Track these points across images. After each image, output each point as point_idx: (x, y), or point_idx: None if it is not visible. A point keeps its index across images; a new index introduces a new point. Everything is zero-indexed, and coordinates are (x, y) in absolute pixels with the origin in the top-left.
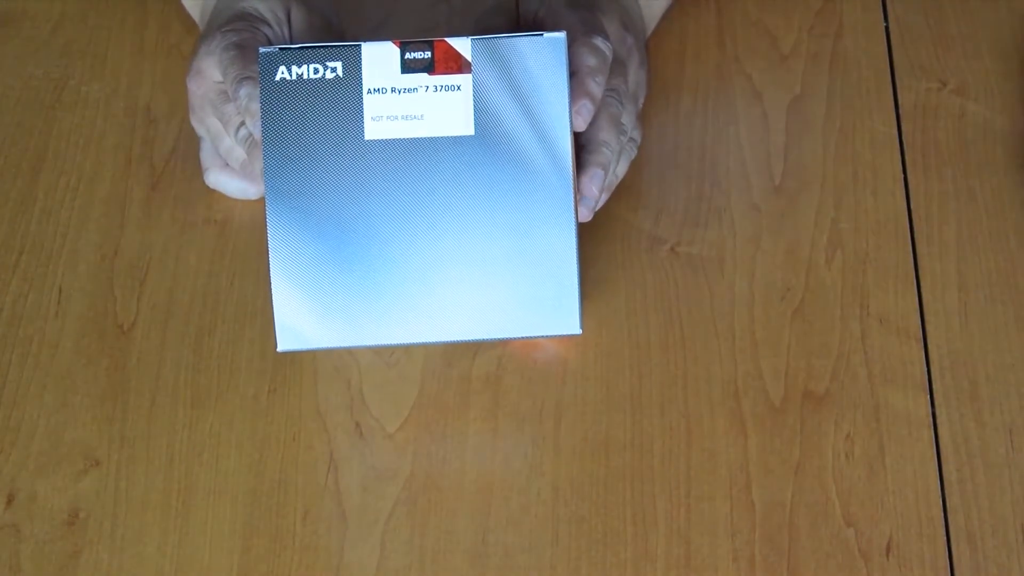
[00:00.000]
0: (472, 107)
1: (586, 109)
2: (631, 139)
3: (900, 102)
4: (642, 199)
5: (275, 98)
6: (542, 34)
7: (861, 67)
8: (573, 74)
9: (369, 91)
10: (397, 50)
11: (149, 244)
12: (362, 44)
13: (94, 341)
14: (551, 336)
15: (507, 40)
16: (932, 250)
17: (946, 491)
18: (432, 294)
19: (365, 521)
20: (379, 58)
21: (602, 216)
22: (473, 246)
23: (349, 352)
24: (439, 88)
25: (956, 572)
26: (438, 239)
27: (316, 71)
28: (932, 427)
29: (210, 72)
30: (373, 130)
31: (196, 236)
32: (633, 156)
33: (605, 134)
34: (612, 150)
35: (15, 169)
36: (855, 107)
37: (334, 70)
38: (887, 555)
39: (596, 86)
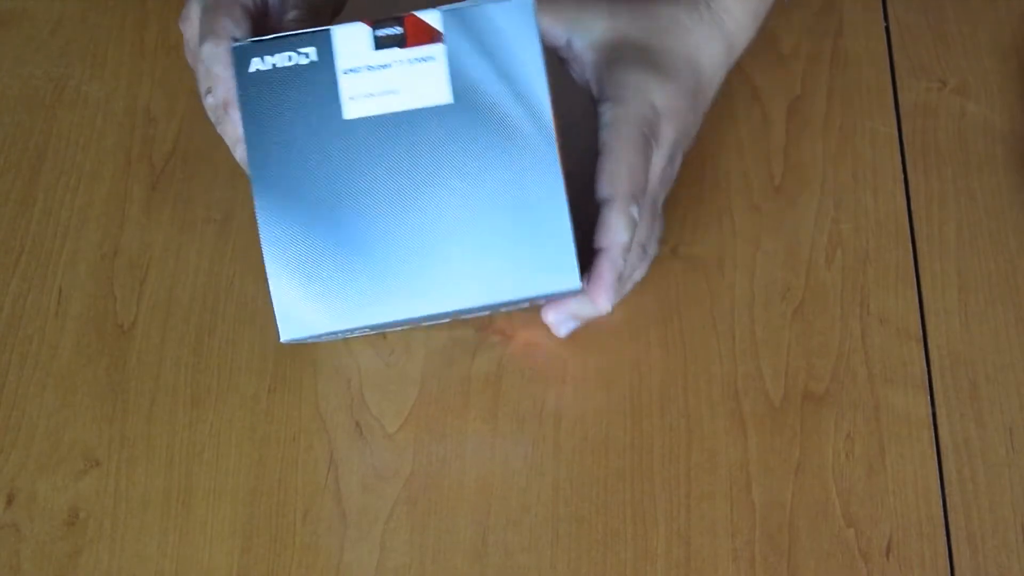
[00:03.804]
0: (447, 76)
1: (611, 292)
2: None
3: (900, 102)
4: None
5: (252, 90)
6: None
7: (861, 67)
8: (602, 251)
9: (344, 72)
10: (368, 29)
11: (149, 243)
12: (332, 28)
13: (94, 341)
14: (553, 294)
15: (476, 8)
16: (932, 250)
17: (946, 491)
18: (428, 266)
19: (365, 521)
20: (351, 39)
21: None
22: (464, 213)
23: (349, 351)
24: (413, 61)
25: (956, 572)
26: (428, 210)
27: (289, 58)
28: (932, 427)
29: (195, 18)
30: (352, 109)
31: (196, 235)
32: (655, 254)
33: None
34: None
35: (15, 169)
36: (855, 107)
37: (307, 55)
38: (887, 555)
39: (623, 264)
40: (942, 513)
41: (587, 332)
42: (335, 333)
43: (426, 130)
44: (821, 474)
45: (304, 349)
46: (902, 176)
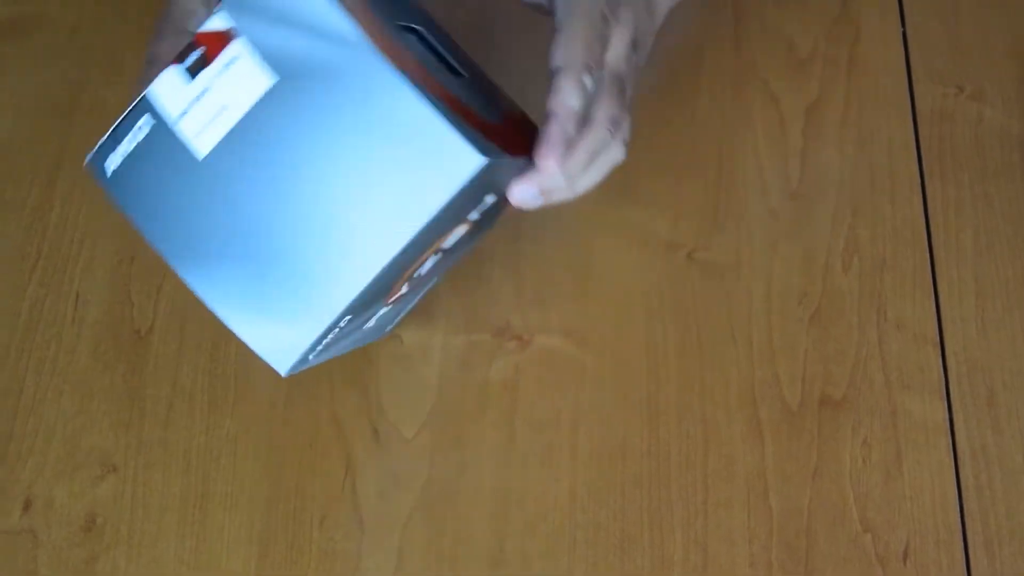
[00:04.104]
0: (259, 63)
1: (557, 152)
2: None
3: (917, 108)
4: (659, 204)
5: (119, 187)
6: None
7: (878, 73)
8: (551, 115)
9: (178, 118)
10: (176, 66)
11: None
12: (146, 90)
13: (111, 347)
14: (470, 182)
15: None
16: (949, 256)
17: (963, 497)
18: (353, 229)
19: (382, 527)
20: (167, 87)
21: (619, 221)
22: (351, 168)
23: (365, 357)
24: (223, 69)
25: None
26: (320, 186)
27: (133, 138)
28: (949, 433)
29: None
30: (201, 145)
31: None
32: (627, 139)
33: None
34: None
35: (32, 175)
36: (872, 113)
37: (143, 126)
38: (904, 561)
39: (573, 131)
40: (959, 519)
41: (605, 337)
42: (328, 338)
43: (271, 118)
44: (838, 480)
45: None
46: (919, 182)
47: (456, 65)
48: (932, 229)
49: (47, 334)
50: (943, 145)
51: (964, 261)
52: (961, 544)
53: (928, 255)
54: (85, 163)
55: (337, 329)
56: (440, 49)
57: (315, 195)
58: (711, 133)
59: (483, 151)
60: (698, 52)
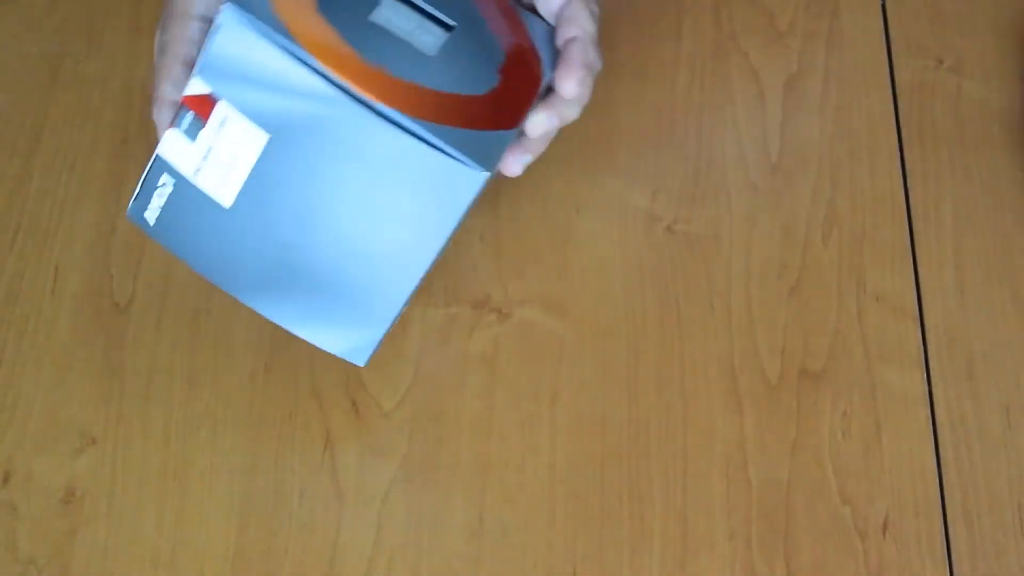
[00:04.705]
0: (251, 121)
1: (590, 78)
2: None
3: (896, 80)
4: (639, 177)
5: (164, 235)
6: (216, 32)
7: (858, 45)
8: (574, 39)
9: (194, 174)
10: (175, 130)
11: None
12: (156, 153)
13: (90, 319)
14: (476, 198)
15: (212, 52)
16: (928, 228)
17: (942, 469)
18: (384, 249)
19: (361, 499)
20: (174, 149)
21: (599, 194)
22: (366, 206)
23: None
24: (218, 130)
25: (952, 550)
26: (343, 220)
27: (162, 193)
28: (928, 405)
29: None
30: (224, 196)
31: None
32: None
33: (583, 87)
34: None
35: (11, 148)
36: (851, 85)
37: (167, 183)
38: (883, 533)
39: (596, 57)
40: (938, 491)
41: (583, 310)
42: (395, 320)
43: (278, 170)
44: (817, 452)
45: None
46: (898, 154)
47: (441, 16)
48: (911, 201)
49: (26, 306)
50: (922, 118)
51: (943, 233)
52: (940, 516)
53: (907, 227)
54: (127, 215)
55: (400, 314)
56: (421, 3)
57: (341, 227)
58: (691, 106)
59: (482, 162)
60: (677, 24)
